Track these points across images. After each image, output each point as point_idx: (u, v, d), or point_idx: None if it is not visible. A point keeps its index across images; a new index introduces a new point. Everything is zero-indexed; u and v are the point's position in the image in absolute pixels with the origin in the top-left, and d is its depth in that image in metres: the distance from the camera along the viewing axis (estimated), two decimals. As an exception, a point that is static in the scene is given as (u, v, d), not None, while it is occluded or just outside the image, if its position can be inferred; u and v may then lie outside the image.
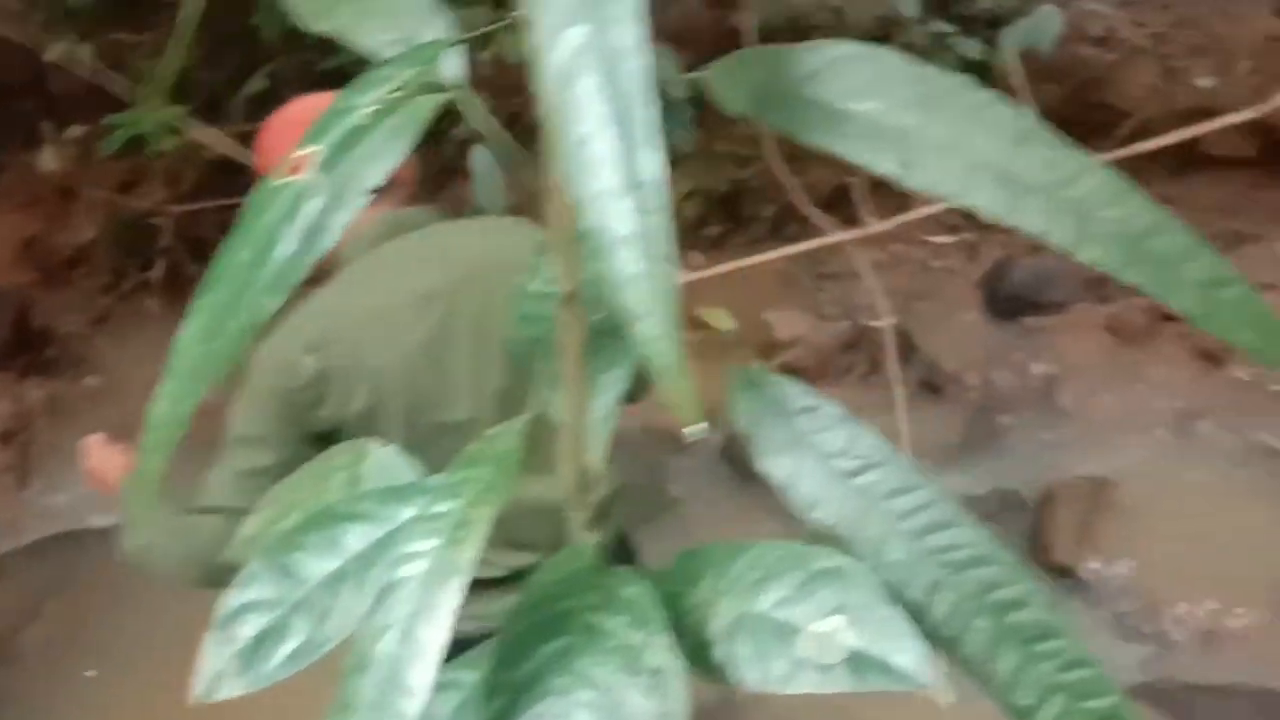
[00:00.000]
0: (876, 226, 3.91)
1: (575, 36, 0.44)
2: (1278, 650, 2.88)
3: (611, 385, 0.67)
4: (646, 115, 0.44)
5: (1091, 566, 3.13)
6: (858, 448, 0.64)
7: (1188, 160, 4.13)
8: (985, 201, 0.52)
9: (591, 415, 0.66)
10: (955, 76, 0.54)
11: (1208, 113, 4.03)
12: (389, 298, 1.64)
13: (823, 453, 0.64)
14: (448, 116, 0.60)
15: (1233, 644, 2.93)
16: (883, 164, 0.52)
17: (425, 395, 1.62)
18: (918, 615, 0.60)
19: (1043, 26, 4.03)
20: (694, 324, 3.81)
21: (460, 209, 2.29)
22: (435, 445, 1.58)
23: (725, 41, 3.98)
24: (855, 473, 0.63)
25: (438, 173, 3.52)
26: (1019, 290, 4.05)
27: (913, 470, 0.63)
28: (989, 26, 4.05)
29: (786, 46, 0.55)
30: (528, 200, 0.75)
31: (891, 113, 0.53)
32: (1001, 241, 4.23)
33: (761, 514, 3.33)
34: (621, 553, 1.81)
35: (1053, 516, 3.26)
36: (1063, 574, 3.12)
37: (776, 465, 0.64)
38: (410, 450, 0.73)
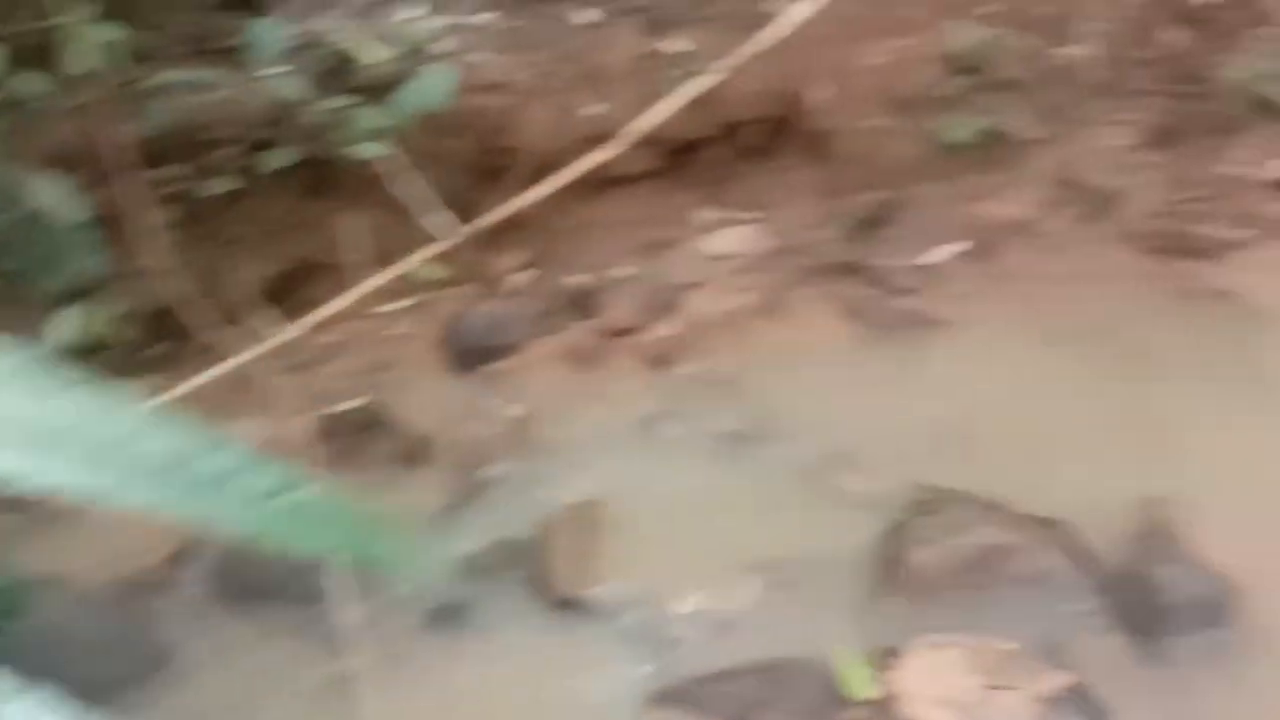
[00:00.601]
0: (302, 323, 3.81)
1: None
2: (775, 623, 3.08)
3: None
4: None
5: (595, 591, 3.23)
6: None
7: (599, 183, 4.37)
8: (13, 466, 0.47)
9: None
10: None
11: (602, 138, 4.25)
12: None
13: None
14: None
15: (736, 627, 3.10)
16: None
17: None
18: None
19: (435, 85, 4.13)
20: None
21: None
22: None
23: (117, 157, 3.76)
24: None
25: None
26: (476, 340, 4.12)
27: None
28: (386, 92, 4.08)
29: None
30: None
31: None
32: (451, 295, 4.29)
33: (257, 636, 3.18)
34: None
35: (551, 551, 3.33)
36: (569, 605, 3.20)
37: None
38: None
